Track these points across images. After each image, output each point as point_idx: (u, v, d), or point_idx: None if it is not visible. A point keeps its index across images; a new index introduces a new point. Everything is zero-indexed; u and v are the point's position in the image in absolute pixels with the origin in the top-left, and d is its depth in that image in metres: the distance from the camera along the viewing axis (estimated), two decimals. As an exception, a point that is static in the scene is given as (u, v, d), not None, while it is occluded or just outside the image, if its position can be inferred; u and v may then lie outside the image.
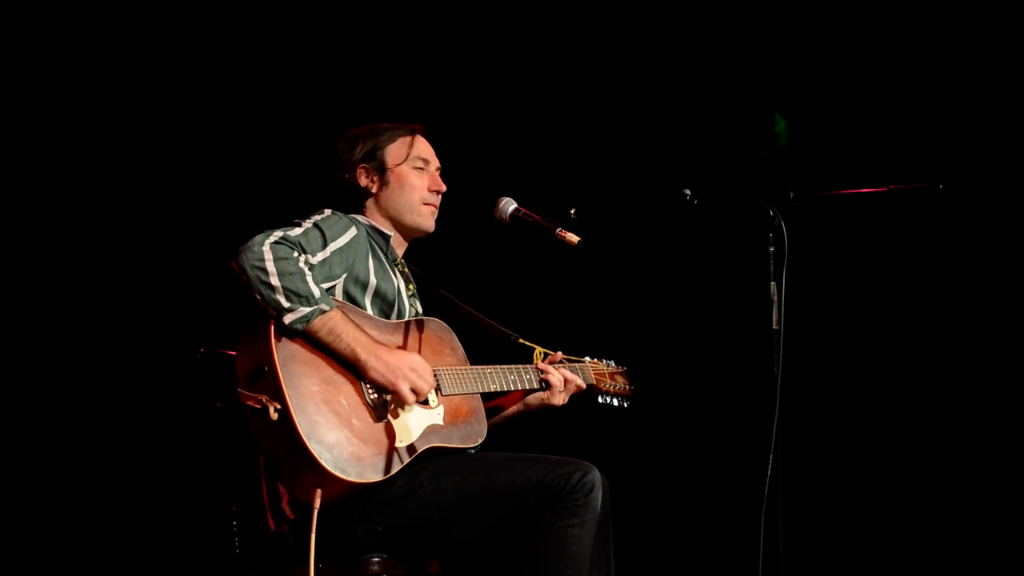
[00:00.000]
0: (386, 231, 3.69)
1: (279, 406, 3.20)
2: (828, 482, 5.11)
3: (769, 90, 5.27)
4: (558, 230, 3.72)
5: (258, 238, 3.29)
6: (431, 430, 3.46)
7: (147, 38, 4.86)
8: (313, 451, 3.19)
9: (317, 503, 3.22)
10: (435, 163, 3.78)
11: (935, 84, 5.07)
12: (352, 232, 3.51)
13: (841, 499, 5.13)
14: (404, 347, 3.51)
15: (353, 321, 3.37)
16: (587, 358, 3.94)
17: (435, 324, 3.65)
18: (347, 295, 3.50)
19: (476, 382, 3.59)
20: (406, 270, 3.77)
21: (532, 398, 3.80)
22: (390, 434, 3.36)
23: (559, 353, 3.84)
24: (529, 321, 3.96)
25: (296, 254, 3.31)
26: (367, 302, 3.54)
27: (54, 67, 4.75)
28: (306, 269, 3.31)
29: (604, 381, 3.94)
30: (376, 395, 3.38)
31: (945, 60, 5.05)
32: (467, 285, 4.00)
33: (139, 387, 4.78)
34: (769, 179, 5.13)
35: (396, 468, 3.34)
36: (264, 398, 3.21)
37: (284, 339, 3.28)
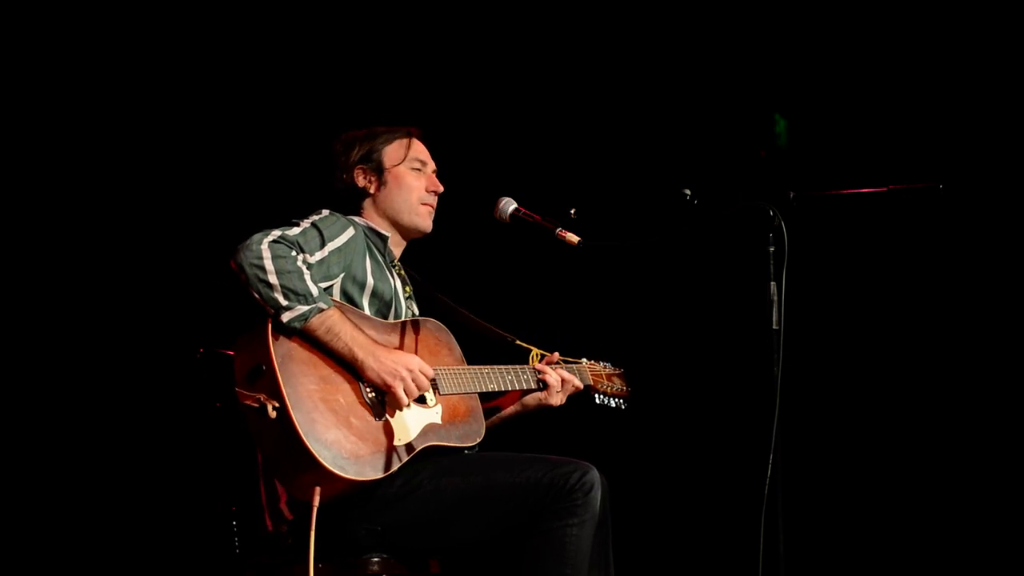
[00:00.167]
0: (383, 232, 3.70)
1: (277, 405, 3.20)
2: (828, 482, 5.11)
3: (769, 90, 5.27)
4: (558, 230, 3.72)
5: (256, 237, 3.30)
6: (429, 429, 3.46)
7: (147, 39, 4.86)
8: (312, 449, 3.19)
9: (316, 501, 3.22)
10: (431, 165, 3.81)
11: (935, 84, 5.07)
12: (350, 232, 3.52)
13: (841, 499, 5.13)
14: (401, 347, 3.51)
15: (351, 320, 3.38)
16: (584, 359, 3.94)
17: (432, 324, 3.66)
18: (345, 295, 3.51)
19: (474, 382, 3.59)
20: (403, 272, 3.78)
21: (530, 398, 3.80)
22: (388, 433, 3.37)
23: (556, 354, 3.84)
24: (528, 321, 3.97)
25: (294, 253, 3.32)
26: (364, 302, 3.54)
27: (54, 67, 4.75)
28: (304, 268, 3.32)
29: (601, 382, 3.94)
30: (374, 394, 3.39)
31: (945, 60, 5.05)
32: (466, 285, 4.01)
33: (139, 387, 4.78)
34: (769, 179, 5.13)
35: (395, 466, 3.34)
36: (262, 397, 3.21)
37: (282, 338, 3.28)
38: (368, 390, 3.38)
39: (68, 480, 4.76)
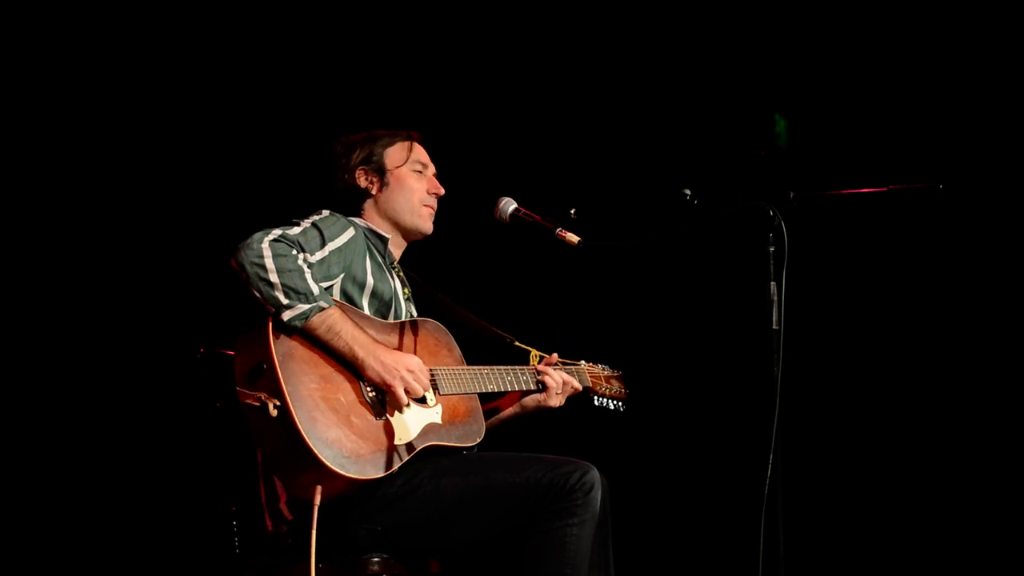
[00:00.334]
0: (384, 234, 3.71)
1: (278, 403, 3.20)
2: (828, 482, 5.10)
3: (769, 90, 5.27)
4: (558, 230, 3.72)
5: (257, 235, 3.30)
6: (429, 429, 3.46)
7: (148, 38, 4.86)
8: (313, 448, 3.20)
9: (317, 500, 3.22)
10: (432, 168, 3.82)
11: (935, 84, 5.06)
12: (350, 233, 3.52)
13: (841, 499, 5.13)
14: (401, 347, 3.52)
15: (351, 319, 3.38)
16: (582, 361, 3.94)
17: (432, 325, 3.66)
18: (344, 295, 3.51)
19: (474, 382, 3.60)
20: (402, 274, 3.78)
21: (529, 400, 3.81)
22: (389, 432, 3.37)
23: (555, 355, 3.84)
24: (528, 322, 3.97)
25: (295, 252, 3.32)
26: (364, 302, 3.55)
27: (54, 67, 4.75)
28: (305, 267, 3.32)
29: (600, 384, 3.95)
30: (374, 393, 3.39)
31: (945, 60, 5.05)
32: (466, 286, 4.01)
33: (139, 387, 4.78)
34: (769, 179, 5.13)
35: (396, 465, 3.34)
36: (263, 396, 3.21)
37: (282, 337, 3.29)
38: (369, 389, 3.39)
39: (68, 480, 4.76)
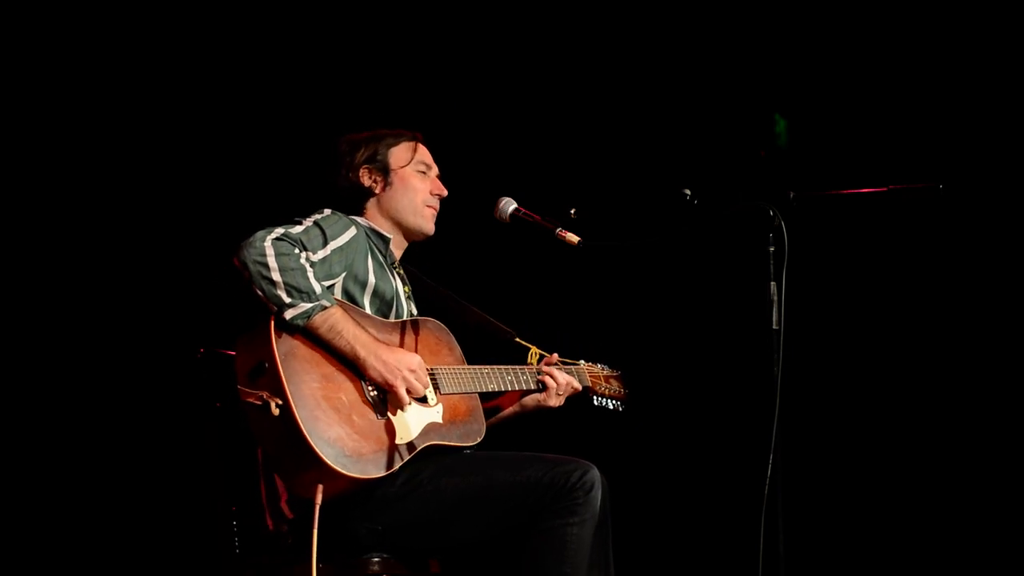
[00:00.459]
0: (386, 233, 3.71)
1: (280, 402, 3.20)
2: (828, 482, 5.10)
3: (769, 90, 5.27)
4: (558, 230, 3.72)
5: (260, 234, 3.30)
6: (430, 428, 3.47)
7: (149, 38, 4.86)
8: (315, 447, 3.20)
9: (319, 499, 3.22)
10: (435, 169, 3.82)
11: (935, 84, 5.06)
12: (352, 232, 3.52)
13: (841, 499, 5.13)
14: (402, 346, 3.52)
15: (353, 318, 3.38)
16: (582, 361, 3.95)
17: (432, 324, 3.66)
18: (346, 294, 3.51)
19: (474, 382, 3.60)
20: (402, 272, 3.78)
21: (528, 399, 3.81)
22: (390, 431, 3.37)
23: (555, 355, 3.84)
24: (528, 321, 3.97)
25: (297, 251, 3.32)
26: (365, 301, 3.55)
27: (55, 66, 4.75)
28: (307, 265, 3.33)
29: (599, 384, 3.95)
30: (376, 392, 3.39)
31: (945, 60, 5.05)
32: (466, 286, 4.00)
33: (139, 387, 4.78)
34: (769, 179, 5.13)
35: (397, 465, 3.35)
36: (265, 394, 3.21)
37: (284, 335, 3.29)
38: (370, 388, 3.39)
39: (69, 480, 4.76)
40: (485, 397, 3.69)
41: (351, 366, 3.36)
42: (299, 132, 4.87)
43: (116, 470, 4.79)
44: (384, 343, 3.43)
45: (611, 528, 3.52)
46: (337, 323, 3.33)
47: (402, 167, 3.74)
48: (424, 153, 3.80)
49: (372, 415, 3.36)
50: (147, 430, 4.77)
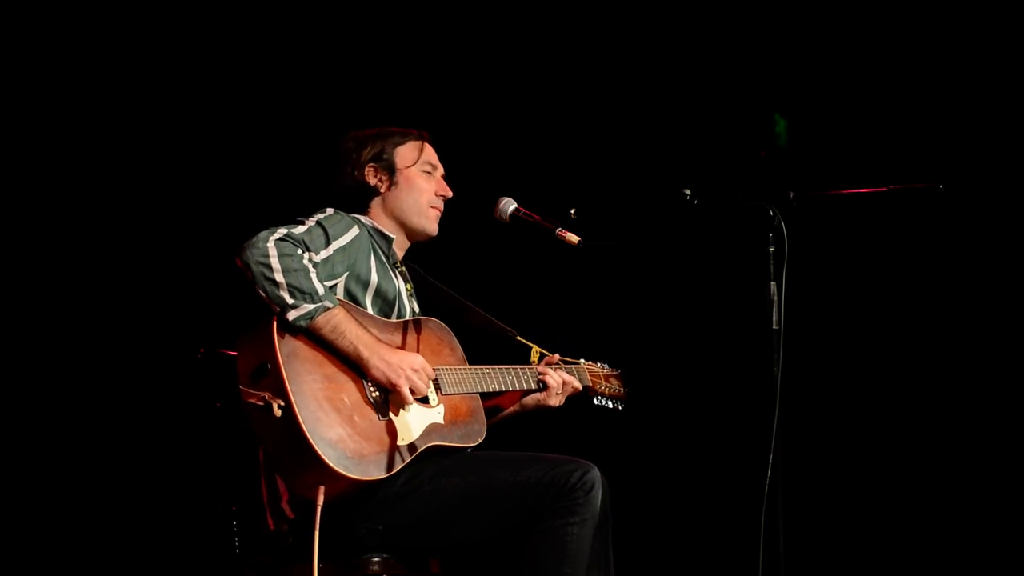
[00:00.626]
0: (389, 233, 3.70)
1: (282, 403, 3.20)
2: (828, 482, 5.10)
3: (769, 90, 5.27)
4: (558, 230, 3.72)
5: (262, 235, 3.30)
6: (432, 429, 3.47)
7: (150, 37, 4.86)
8: (316, 448, 3.20)
9: (320, 501, 3.23)
10: (441, 170, 3.82)
11: (935, 84, 5.07)
12: (354, 231, 3.52)
13: (841, 499, 5.13)
14: (404, 346, 3.52)
15: (355, 319, 3.38)
16: (582, 360, 3.94)
17: (434, 324, 3.66)
18: (348, 294, 3.51)
19: (475, 382, 3.60)
20: (404, 269, 3.78)
21: (529, 399, 3.81)
22: (392, 432, 3.37)
23: (556, 356, 3.84)
24: (528, 321, 3.96)
25: (300, 251, 3.32)
26: (367, 301, 3.55)
27: (57, 66, 4.75)
28: (310, 266, 3.32)
29: (600, 383, 3.95)
30: (378, 393, 3.39)
31: (945, 60, 5.05)
32: (467, 286, 4.00)
33: (139, 387, 4.78)
34: (769, 179, 5.13)
35: (398, 466, 3.35)
36: (267, 395, 3.21)
37: (287, 336, 3.29)
38: (372, 389, 3.39)
39: (69, 480, 4.76)
40: (486, 396, 3.69)
41: (353, 367, 3.36)
42: (300, 132, 4.87)
43: (117, 470, 4.79)
44: (386, 343, 3.43)
45: (611, 528, 3.52)
46: (340, 324, 3.33)
47: (408, 167, 3.73)
48: (430, 153, 3.79)
49: (374, 416, 3.36)
50: (148, 430, 4.77)
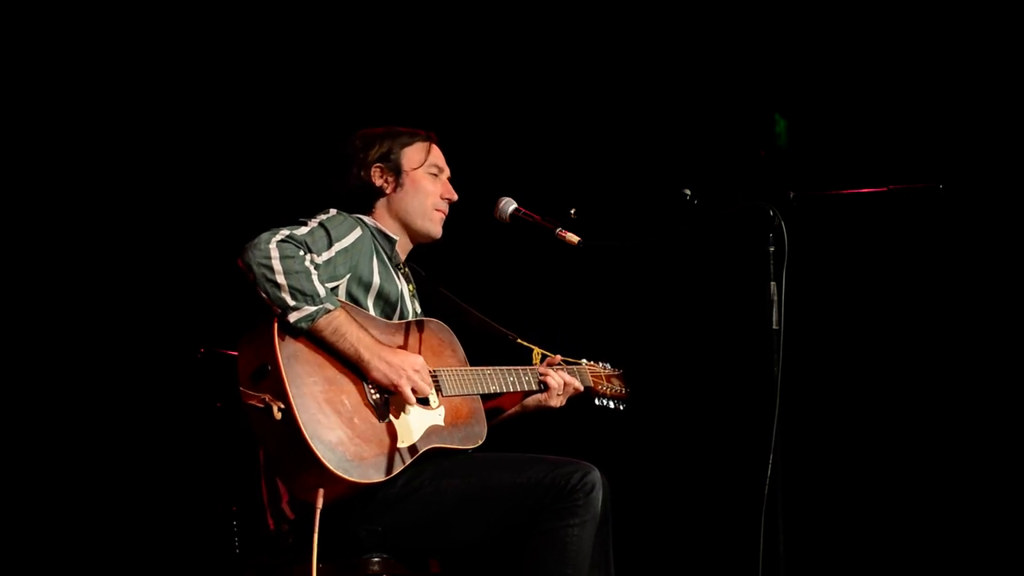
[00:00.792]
0: (392, 235, 3.69)
1: (283, 406, 3.20)
2: (828, 482, 5.11)
3: (769, 90, 5.27)
4: (558, 230, 3.72)
5: (264, 236, 3.29)
6: (432, 431, 3.46)
7: (152, 37, 4.86)
8: (316, 450, 3.19)
9: (320, 503, 3.22)
10: (447, 172, 3.80)
11: (935, 84, 5.07)
12: (357, 233, 3.51)
13: (841, 499, 5.13)
14: (405, 347, 3.52)
15: (356, 321, 3.37)
16: (584, 360, 3.94)
17: (435, 325, 3.66)
18: (350, 295, 3.50)
19: (476, 383, 3.59)
20: (406, 270, 3.78)
21: (530, 400, 3.80)
22: (392, 434, 3.37)
23: (557, 356, 3.84)
24: (528, 321, 3.97)
25: (302, 253, 3.31)
26: (369, 303, 3.54)
27: (57, 65, 4.75)
28: (312, 268, 3.32)
29: (601, 384, 3.95)
30: (378, 395, 3.39)
31: (945, 60, 5.05)
32: (467, 285, 4.00)
33: (139, 387, 4.78)
34: (769, 179, 5.13)
35: (398, 468, 3.34)
36: (267, 397, 3.21)
37: (287, 338, 3.28)
38: (372, 391, 3.38)
39: (69, 480, 4.76)
40: (486, 398, 3.68)
41: (354, 369, 3.35)
42: (302, 132, 4.87)
43: (117, 470, 4.79)
44: (387, 345, 3.42)
45: (612, 528, 3.52)
46: (341, 326, 3.33)
47: (414, 169, 3.72)
48: (437, 155, 3.78)
49: (374, 418, 3.36)
50: (148, 430, 4.77)
